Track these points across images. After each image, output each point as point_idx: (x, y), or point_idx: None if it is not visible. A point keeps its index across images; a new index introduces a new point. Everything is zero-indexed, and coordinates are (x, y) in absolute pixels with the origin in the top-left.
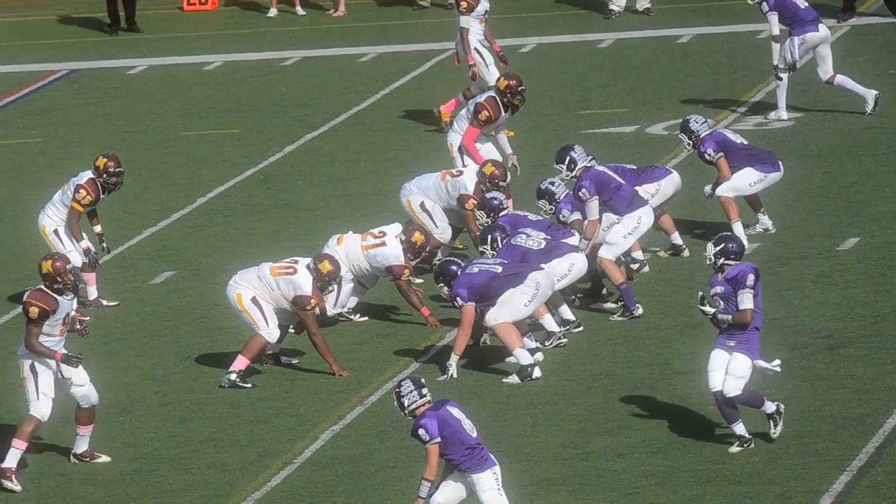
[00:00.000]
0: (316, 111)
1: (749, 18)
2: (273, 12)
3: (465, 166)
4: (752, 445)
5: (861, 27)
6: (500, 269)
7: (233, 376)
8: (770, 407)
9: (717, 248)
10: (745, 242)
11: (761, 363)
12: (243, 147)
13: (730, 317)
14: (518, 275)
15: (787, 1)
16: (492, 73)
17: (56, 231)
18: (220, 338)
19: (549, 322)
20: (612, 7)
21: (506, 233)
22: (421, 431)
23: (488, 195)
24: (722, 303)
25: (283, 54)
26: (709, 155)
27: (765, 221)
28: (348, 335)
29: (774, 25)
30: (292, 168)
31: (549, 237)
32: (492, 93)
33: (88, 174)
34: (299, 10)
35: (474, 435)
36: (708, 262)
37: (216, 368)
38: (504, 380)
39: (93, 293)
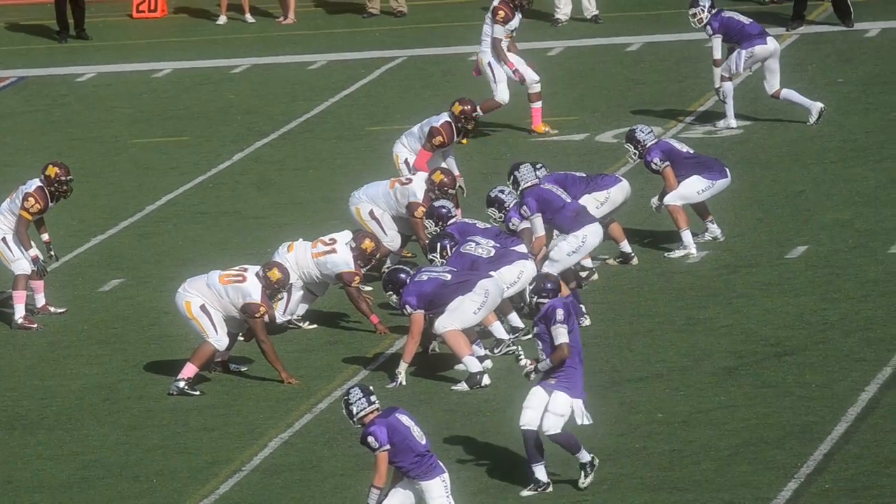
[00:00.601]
0: (265, 119)
1: (696, 28)
2: (222, 20)
3: (413, 174)
4: (550, 489)
5: (810, 36)
6: (449, 276)
7: (181, 384)
8: (585, 457)
9: (531, 288)
10: (695, 251)
11: (579, 407)
12: (192, 155)
13: (548, 360)
14: (467, 282)
15: (732, 21)
16: (500, 91)
17: (4, 239)
18: (169, 345)
19: (499, 329)
20: (557, 16)
21: (455, 241)
22: (370, 439)
23: (437, 203)
24: (541, 344)
25: (232, 62)
26: (655, 164)
27: (713, 230)
28: (297, 342)
29: (717, 49)
30: (241, 175)
31: (498, 245)
32: (447, 117)
33: (37, 182)
34: (249, 17)
35: (423, 442)
36: (527, 304)
37: (164, 376)
38: (453, 387)
39: (40, 300)
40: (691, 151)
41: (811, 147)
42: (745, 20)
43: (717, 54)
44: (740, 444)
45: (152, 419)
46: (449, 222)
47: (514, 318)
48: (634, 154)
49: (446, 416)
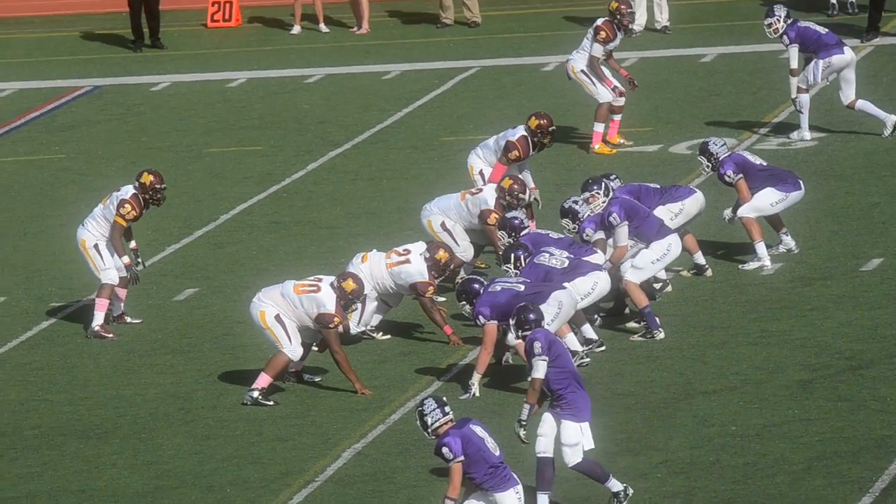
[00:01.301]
0: (339, 128)
1: (772, 38)
2: (297, 29)
3: (484, 184)
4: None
5: (885, 47)
6: (522, 287)
7: (255, 394)
8: (616, 486)
9: (514, 321)
10: (769, 263)
11: (586, 430)
12: (266, 164)
13: (525, 405)
14: (541, 293)
15: (808, 31)
16: (601, 91)
17: (96, 246)
18: (243, 355)
19: (572, 341)
20: (632, 26)
21: (529, 251)
22: (444, 450)
23: (509, 215)
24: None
25: (306, 71)
26: (728, 177)
27: (788, 241)
28: (371, 353)
29: (794, 59)
30: (315, 185)
31: (571, 255)
32: (523, 131)
33: (131, 189)
34: (323, 27)
35: (497, 453)
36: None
37: (238, 386)
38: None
39: (119, 309)
40: (764, 164)
41: (886, 159)
42: (822, 30)
43: (794, 64)
44: (814, 457)
45: (226, 429)
46: (522, 233)
47: (588, 330)
48: (708, 167)
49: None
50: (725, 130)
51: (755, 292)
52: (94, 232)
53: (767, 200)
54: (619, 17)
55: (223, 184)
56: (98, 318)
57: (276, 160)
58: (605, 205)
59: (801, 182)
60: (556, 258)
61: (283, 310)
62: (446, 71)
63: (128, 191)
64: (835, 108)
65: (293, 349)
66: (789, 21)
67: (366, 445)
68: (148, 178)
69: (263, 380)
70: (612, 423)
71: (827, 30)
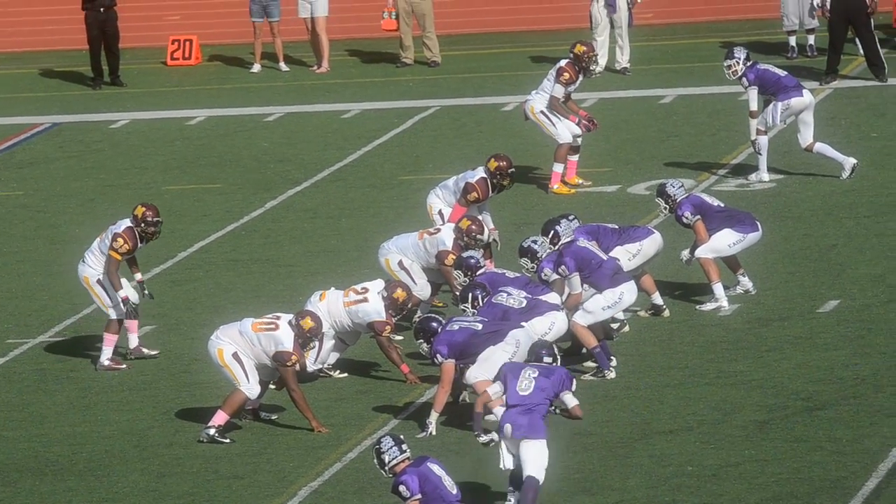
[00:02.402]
0: (298, 167)
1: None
2: (256, 68)
3: (443, 224)
4: None
5: (843, 90)
6: (480, 326)
7: (212, 431)
8: None
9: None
10: (726, 304)
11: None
12: (225, 202)
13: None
14: (498, 332)
15: (767, 73)
16: (560, 132)
17: (99, 281)
18: (199, 392)
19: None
20: (591, 66)
21: (487, 291)
22: (402, 488)
23: (465, 255)
24: None
25: (266, 110)
26: (686, 218)
27: (745, 283)
28: (328, 392)
29: (753, 101)
30: (274, 223)
31: (529, 295)
32: (483, 173)
33: (126, 222)
34: (283, 65)
35: (455, 492)
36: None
37: (194, 423)
38: (480, 439)
39: (133, 341)
40: (722, 205)
41: (844, 201)
42: (781, 72)
43: (754, 106)
44: (770, 498)
45: (182, 467)
46: (478, 273)
47: None
48: (665, 208)
49: (478, 465)
50: (684, 171)
51: (712, 333)
52: (94, 267)
53: (725, 241)
54: (584, 60)
55: (181, 221)
56: (106, 353)
57: (235, 198)
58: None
59: (758, 223)
60: (514, 298)
61: (241, 347)
62: (406, 110)
63: (122, 224)
64: (793, 150)
65: (250, 387)
66: (749, 63)
67: (322, 484)
68: (141, 211)
69: (220, 417)
70: (568, 463)
71: (786, 72)
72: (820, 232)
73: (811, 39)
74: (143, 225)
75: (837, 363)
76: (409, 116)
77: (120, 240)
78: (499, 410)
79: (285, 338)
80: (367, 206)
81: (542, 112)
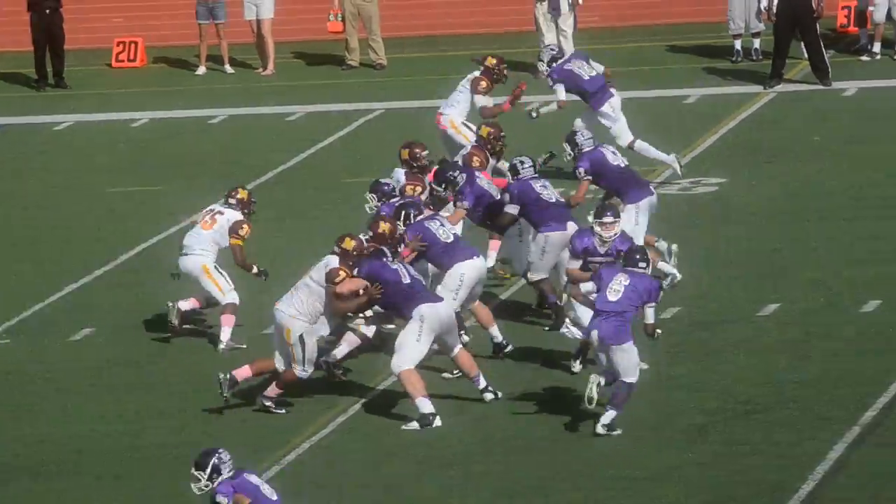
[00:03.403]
0: (242, 169)
1: (680, 84)
2: (201, 70)
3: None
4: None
5: (788, 94)
6: (409, 280)
7: (267, 402)
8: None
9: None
10: (677, 272)
11: None
12: (169, 204)
13: None
14: (411, 300)
15: (573, 73)
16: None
17: (217, 267)
18: (130, 397)
19: (496, 331)
20: (542, 69)
21: (420, 210)
22: (219, 497)
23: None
24: None
25: (210, 112)
26: (579, 173)
27: (660, 245)
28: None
29: (561, 93)
30: None
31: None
32: (474, 144)
33: (236, 213)
34: (228, 68)
35: (274, 498)
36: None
37: (130, 426)
38: (403, 426)
39: (226, 334)
40: (623, 165)
41: (787, 205)
42: (586, 74)
43: (562, 96)
44: (709, 501)
45: (136, 465)
46: (391, 199)
47: (496, 333)
48: (569, 155)
49: (415, 469)
50: None
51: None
52: (207, 254)
53: (630, 224)
54: (496, 72)
55: (125, 223)
56: (226, 333)
57: (179, 200)
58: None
59: (652, 188)
60: (445, 231)
61: (302, 313)
62: (351, 113)
63: (233, 213)
64: (735, 155)
65: (305, 371)
66: (556, 63)
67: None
68: (244, 194)
69: (272, 390)
70: (505, 465)
71: (593, 74)
72: (763, 235)
73: (756, 43)
74: (249, 206)
75: (777, 367)
76: (353, 119)
77: (245, 226)
78: (582, 311)
79: (332, 260)
80: (312, 207)
81: (464, 124)
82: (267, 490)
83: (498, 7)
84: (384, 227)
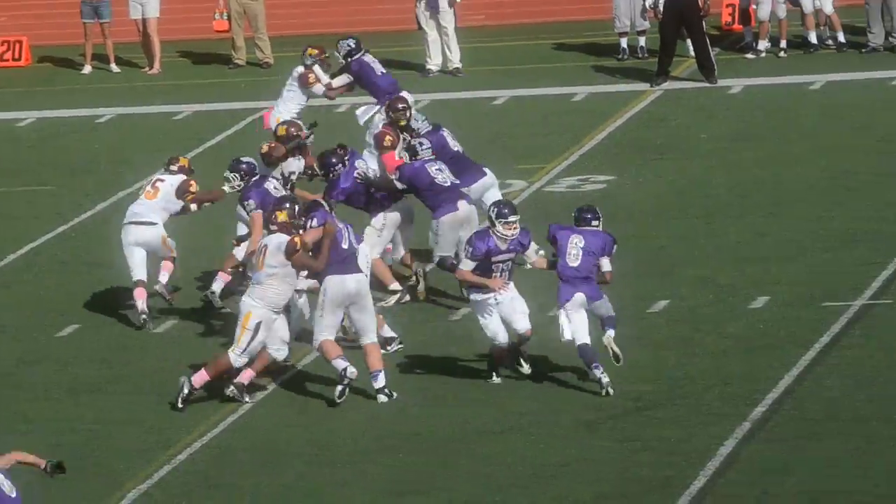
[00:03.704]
0: (129, 169)
1: (567, 82)
2: (87, 69)
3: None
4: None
5: (673, 91)
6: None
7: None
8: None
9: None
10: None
11: None
12: (55, 204)
13: None
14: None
15: (369, 67)
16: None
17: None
18: (24, 395)
19: (387, 330)
20: (429, 66)
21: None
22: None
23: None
24: None
25: (97, 111)
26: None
27: None
28: (156, 395)
29: (338, 81)
30: (104, 225)
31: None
32: (383, 121)
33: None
34: (114, 67)
35: (13, 495)
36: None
37: (21, 425)
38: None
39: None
40: (460, 150)
41: (674, 202)
42: (378, 70)
43: (336, 83)
44: (599, 497)
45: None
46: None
47: (386, 329)
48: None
49: (305, 467)
50: (517, 172)
51: (542, 333)
52: (160, 225)
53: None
54: (318, 60)
55: (11, 223)
56: (164, 277)
57: (65, 200)
58: None
59: (486, 170)
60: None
61: (268, 303)
62: (238, 111)
63: (177, 179)
64: (623, 153)
65: (238, 359)
66: (352, 57)
67: (151, 486)
68: (184, 161)
69: (245, 375)
70: (396, 464)
71: (385, 71)
72: (650, 233)
73: (642, 41)
74: (190, 174)
75: (667, 363)
76: (241, 118)
77: (193, 182)
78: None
79: (272, 240)
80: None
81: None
82: (7, 487)
83: (381, 5)
84: (281, 215)
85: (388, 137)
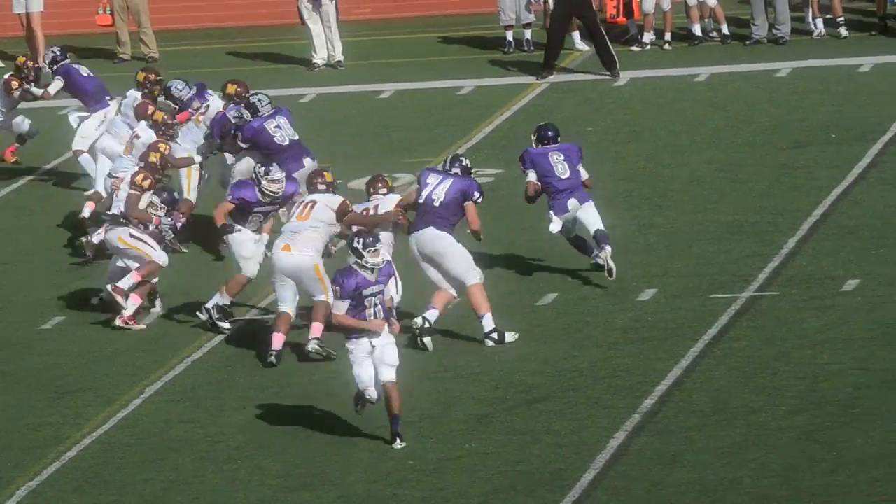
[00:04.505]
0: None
1: (453, 75)
2: None
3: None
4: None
5: (560, 84)
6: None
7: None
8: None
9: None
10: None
11: None
12: None
13: None
14: None
15: (76, 73)
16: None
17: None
18: None
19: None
20: (315, 60)
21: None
22: None
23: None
24: None
25: None
26: (241, 142)
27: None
28: (44, 390)
29: (53, 88)
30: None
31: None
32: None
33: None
34: None
35: None
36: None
37: None
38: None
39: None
40: (285, 144)
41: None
42: (86, 73)
43: (52, 89)
44: (491, 490)
45: None
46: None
47: None
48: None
49: (197, 464)
50: (403, 165)
51: (433, 327)
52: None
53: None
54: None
55: None
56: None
57: None
58: None
59: (310, 156)
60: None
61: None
62: None
63: (150, 135)
64: (510, 145)
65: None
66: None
67: (41, 483)
68: (159, 115)
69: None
70: (287, 458)
71: (91, 74)
72: (539, 225)
73: (528, 34)
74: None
75: (556, 356)
76: None
77: (163, 145)
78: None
79: (321, 198)
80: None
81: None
82: None
83: None
84: (329, 176)
85: (150, 107)
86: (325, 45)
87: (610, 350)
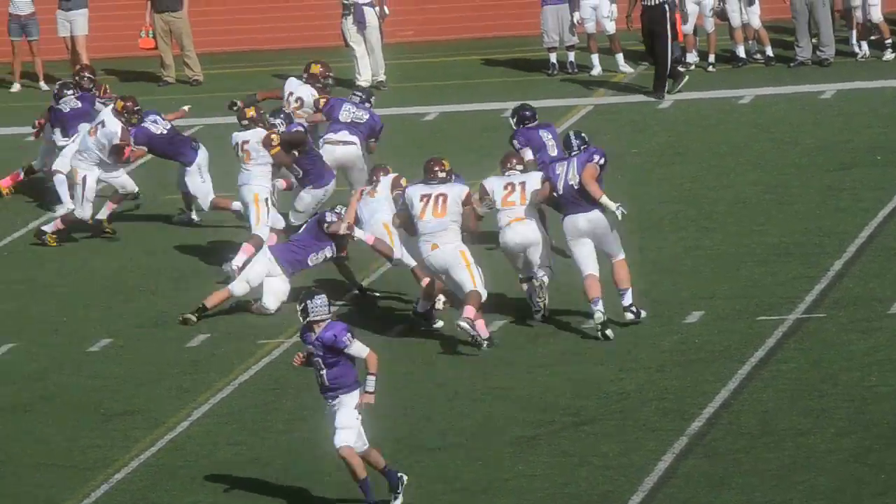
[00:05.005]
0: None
1: (497, 98)
2: (16, 87)
3: None
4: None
5: (603, 106)
6: None
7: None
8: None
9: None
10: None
11: None
12: None
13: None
14: None
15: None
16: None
17: (268, 199)
18: None
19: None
20: (359, 82)
21: None
22: None
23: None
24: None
25: (26, 130)
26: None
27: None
28: (91, 413)
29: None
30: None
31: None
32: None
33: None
34: (43, 85)
35: None
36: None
37: None
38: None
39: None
40: (167, 131)
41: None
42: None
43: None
44: None
45: None
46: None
47: None
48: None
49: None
50: None
51: (481, 349)
52: (265, 184)
53: (197, 181)
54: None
55: None
56: (239, 259)
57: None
58: None
59: (197, 151)
60: None
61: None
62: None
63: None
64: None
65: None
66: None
67: None
68: (120, 104)
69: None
70: (336, 480)
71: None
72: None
73: (571, 56)
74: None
75: (604, 378)
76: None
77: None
78: None
79: (452, 188)
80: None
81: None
82: None
83: (308, 22)
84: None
85: (125, 115)
86: (369, 66)
87: (657, 372)
